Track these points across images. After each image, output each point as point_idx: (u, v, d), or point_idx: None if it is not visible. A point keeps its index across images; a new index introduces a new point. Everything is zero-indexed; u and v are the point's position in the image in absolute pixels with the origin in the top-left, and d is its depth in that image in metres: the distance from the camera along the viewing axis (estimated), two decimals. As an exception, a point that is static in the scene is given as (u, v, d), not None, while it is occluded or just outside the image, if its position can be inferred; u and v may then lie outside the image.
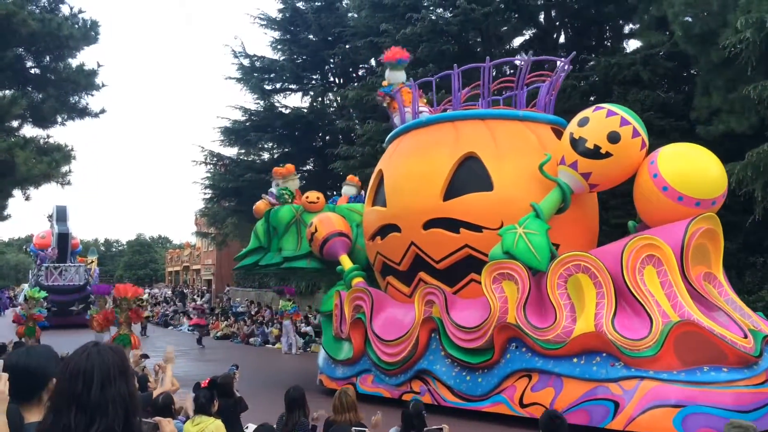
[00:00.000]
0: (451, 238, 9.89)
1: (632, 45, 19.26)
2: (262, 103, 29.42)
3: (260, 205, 14.13)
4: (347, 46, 26.46)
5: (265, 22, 29.29)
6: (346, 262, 11.98)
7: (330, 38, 27.81)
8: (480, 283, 9.74)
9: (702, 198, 8.51)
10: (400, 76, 11.90)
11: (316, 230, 12.26)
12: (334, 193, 31.70)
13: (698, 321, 7.64)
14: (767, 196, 11.69)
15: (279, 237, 13.39)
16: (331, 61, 28.81)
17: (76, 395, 2.16)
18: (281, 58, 29.45)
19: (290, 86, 30.19)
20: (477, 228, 9.73)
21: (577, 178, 9.15)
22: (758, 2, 12.08)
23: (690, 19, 13.73)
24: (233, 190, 28.00)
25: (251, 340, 23.79)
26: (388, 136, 11.91)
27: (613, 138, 8.82)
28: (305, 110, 28.89)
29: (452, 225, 9.88)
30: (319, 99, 29.87)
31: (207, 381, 5.81)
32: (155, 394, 5.67)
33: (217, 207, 30.31)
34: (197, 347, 21.98)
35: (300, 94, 30.31)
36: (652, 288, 8.07)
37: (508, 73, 17.28)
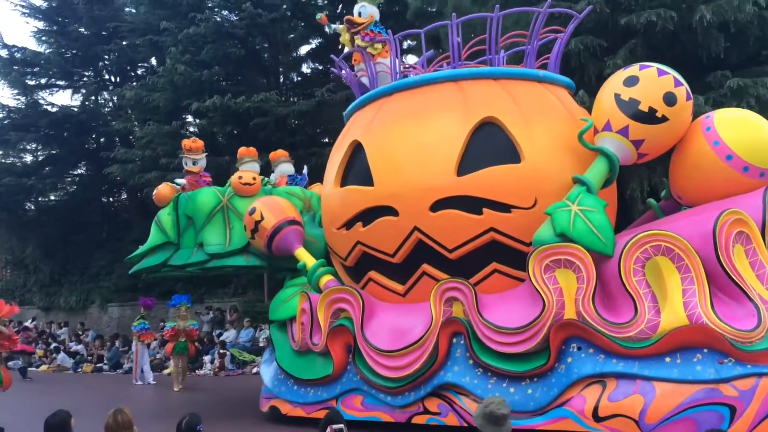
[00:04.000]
0: (470, 221, 8.09)
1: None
2: (23, 99, 26.66)
3: (164, 189, 11.17)
4: (124, 43, 24.84)
5: (27, 11, 26.39)
6: (306, 257, 9.61)
7: (104, 33, 25.74)
8: (506, 274, 8.18)
9: (766, 168, 7.67)
10: (373, 9, 9.62)
11: (261, 218, 9.73)
12: (111, 200, 29.31)
13: (810, 305, 6.71)
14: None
15: (198, 229, 10.58)
16: (106, 57, 26.95)
17: None
18: (47, 51, 26.79)
19: (58, 82, 27.58)
20: (504, 207, 8.04)
21: (626, 145, 7.86)
22: None
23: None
24: (-11, 196, 24.96)
25: (10, 363, 19.75)
26: (354, 103, 9.76)
27: (670, 100, 7.65)
28: (76, 109, 26.70)
29: (472, 205, 8.08)
30: (92, 98, 27.77)
31: None
32: None
33: (-32, 215, 26.90)
34: None
35: (70, 91, 27.94)
36: (741, 269, 7.01)
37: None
